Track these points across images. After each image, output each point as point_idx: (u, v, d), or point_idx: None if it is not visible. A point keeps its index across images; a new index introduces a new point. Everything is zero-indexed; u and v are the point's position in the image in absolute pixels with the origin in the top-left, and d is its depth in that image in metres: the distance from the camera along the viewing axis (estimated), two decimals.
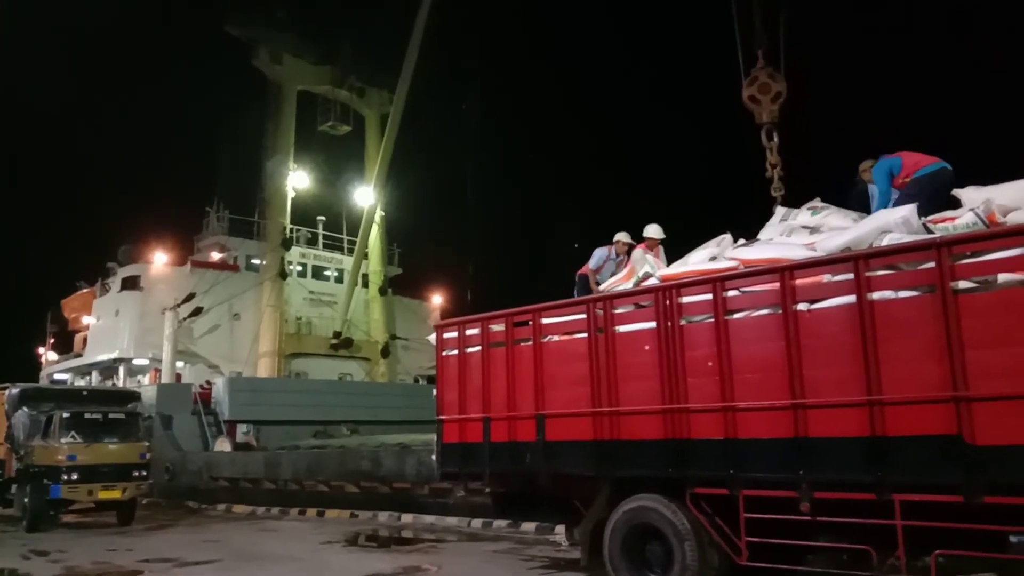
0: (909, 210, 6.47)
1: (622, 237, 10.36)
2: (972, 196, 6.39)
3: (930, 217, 6.45)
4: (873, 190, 7.97)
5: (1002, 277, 5.40)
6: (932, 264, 5.63)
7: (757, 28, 10.55)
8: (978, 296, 5.48)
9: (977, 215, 6.00)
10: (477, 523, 14.33)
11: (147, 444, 17.21)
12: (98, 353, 31.97)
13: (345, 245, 36.80)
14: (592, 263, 10.34)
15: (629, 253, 10.14)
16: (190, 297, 29.03)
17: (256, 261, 33.83)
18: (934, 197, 7.03)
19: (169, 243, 32.36)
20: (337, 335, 33.59)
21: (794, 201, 9.65)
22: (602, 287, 9.26)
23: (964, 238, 5.76)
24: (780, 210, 8.35)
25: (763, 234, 7.97)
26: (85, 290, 36.74)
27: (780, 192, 10.47)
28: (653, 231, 10.15)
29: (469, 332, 8.98)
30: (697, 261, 7.70)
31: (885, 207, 7.53)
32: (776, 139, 10.56)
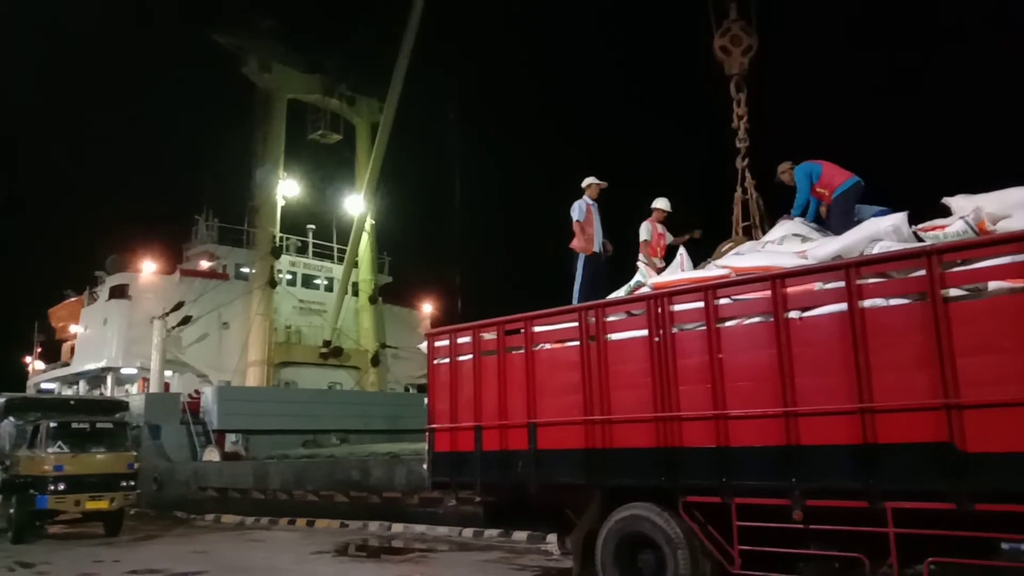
0: (900, 218, 6.51)
1: (592, 180, 10.40)
2: (962, 204, 6.41)
3: (921, 225, 6.49)
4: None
5: (992, 285, 5.43)
6: (923, 272, 5.65)
7: None
8: (968, 304, 5.50)
9: (967, 223, 6.04)
10: (468, 532, 14.28)
11: (135, 454, 17.07)
12: (86, 362, 31.73)
13: (335, 254, 36.69)
14: (575, 215, 10.23)
15: (597, 199, 10.33)
16: (179, 306, 28.86)
17: (245, 270, 33.67)
18: (854, 208, 8.13)
19: (158, 252, 32.18)
20: (327, 344, 33.45)
21: (757, 154, 10.55)
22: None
23: (954, 246, 5.78)
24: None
25: (770, 235, 8.13)
26: (73, 299, 36.50)
27: (745, 143, 10.74)
28: (663, 203, 10.38)
29: (460, 340, 8.94)
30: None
31: (802, 206, 8.66)
32: (745, 91, 10.83)
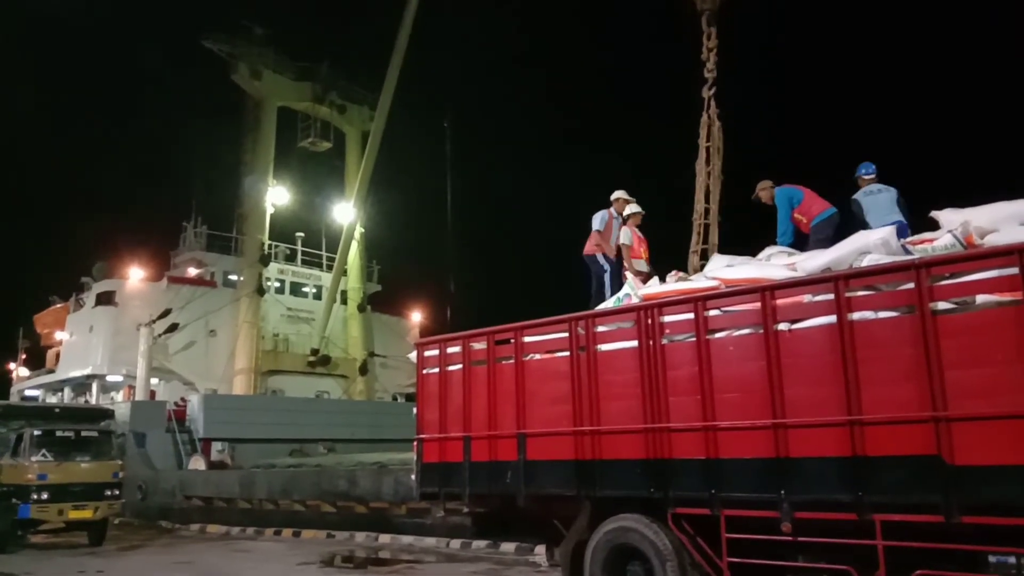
0: (888, 231, 6.56)
1: (622, 195, 10.36)
2: (950, 218, 6.47)
3: (909, 239, 6.54)
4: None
5: (980, 298, 5.45)
6: (911, 285, 5.67)
7: None
8: (956, 317, 5.52)
9: (955, 237, 6.08)
10: (456, 544, 14.22)
11: (120, 463, 16.93)
12: (71, 369, 31.47)
13: (324, 262, 36.59)
14: (596, 224, 10.17)
15: (622, 215, 10.28)
16: (166, 313, 28.67)
17: (233, 277, 33.52)
18: (831, 238, 8.18)
19: (145, 258, 32.00)
20: (315, 352, 33.33)
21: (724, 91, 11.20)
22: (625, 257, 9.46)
23: (943, 259, 5.81)
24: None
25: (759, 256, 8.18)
26: (58, 305, 36.23)
27: (712, 75, 11.34)
28: (635, 207, 10.36)
29: (450, 350, 8.91)
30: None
31: (783, 232, 8.89)
32: (715, 26, 11.40)
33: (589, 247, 10.21)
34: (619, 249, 10.17)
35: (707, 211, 11.47)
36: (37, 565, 13.38)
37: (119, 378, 29.86)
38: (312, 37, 35.10)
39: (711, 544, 6.61)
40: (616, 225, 10.28)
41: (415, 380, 9.39)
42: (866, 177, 8.60)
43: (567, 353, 7.71)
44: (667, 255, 10.93)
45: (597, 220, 10.22)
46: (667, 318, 7.07)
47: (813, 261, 6.89)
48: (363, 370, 34.52)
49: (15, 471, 15.59)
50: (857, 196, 8.49)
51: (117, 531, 18.17)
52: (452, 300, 29.68)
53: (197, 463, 23.32)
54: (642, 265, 10.14)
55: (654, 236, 10.77)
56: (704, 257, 11.14)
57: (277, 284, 34.53)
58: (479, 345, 8.60)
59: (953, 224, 6.31)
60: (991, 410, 5.23)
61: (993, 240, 5.99)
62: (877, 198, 8.30)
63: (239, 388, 30.63)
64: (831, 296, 6.05)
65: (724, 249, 10.89)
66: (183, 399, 27.14)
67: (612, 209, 10.35)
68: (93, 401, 29.54)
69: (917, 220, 7.93)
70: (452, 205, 28.55)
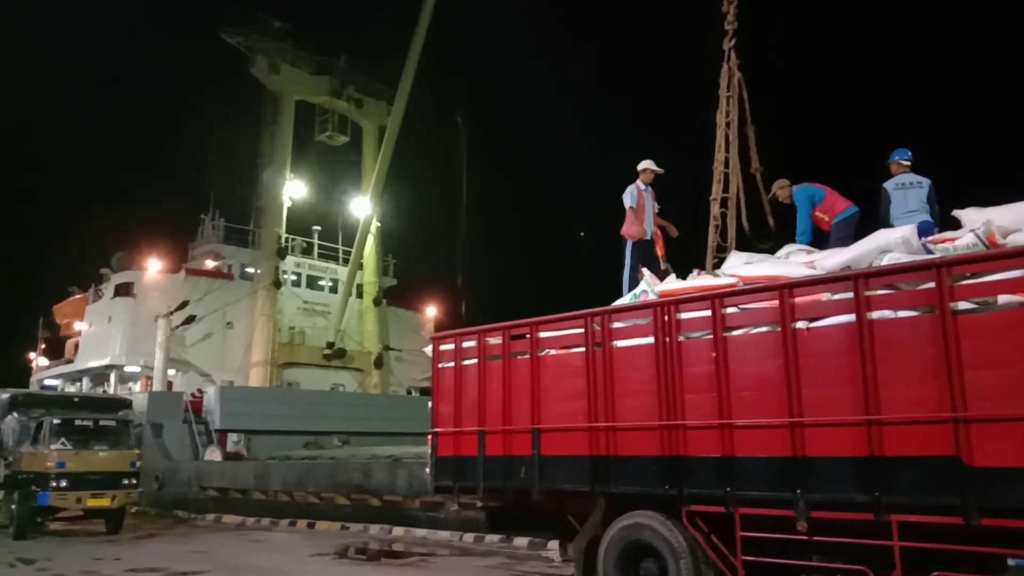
0: (909, 230, 6.50)
1: (648, 165, 10.28)
2: (972, 217, 6.41)
3: (930, 238, 6.47)
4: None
5: (1002, 298, 5.40)
6: (932, 284, 5.62)
7: None
8: (977, 317, 5.47)
9: (977, 236, 6.02)
10: (469, 537, 14.25)
11: (137, 452, 17.11)
12: (89, 359, 31.76)
13: (340, 255, 36.69)
14: (628, 202, 10.05)
15: (652, 184, 10.25)
16: (183, 305, 28.88)
17: (250, 270, 33.68)
18: (852, 236, 8.04)
19: (163, 250, 32.18)
20: (330, 345, 33.46)
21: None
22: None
23: (964, 259, 5.76)
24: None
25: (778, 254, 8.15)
26: (77, 296, 36.55)
27: (733, 27, 11.37)
28: (649, 163, 10.25)
29: (466, 344, 8.93)
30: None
31: (804, 231, 8.88)
32: None
33: (624, 228, 10.12)
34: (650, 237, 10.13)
35: (727, 160, 11.38)
36: (55, 552, 13.53)
37: (137, 369, 30.11)
38: (330, 31, 35.28)
39: (725, 542, 6.59)
40: (648, 197, 10.18)
41: (430, 374, 9.42)
42: (903, 163, 8.42)
43: (583, 349, 7.71)
44: (685, 251, 10.88)
45: (628, 198, 10.05)
46: (684, 315, 7.05)
47: (832, 259, 6.83)
48: (378, 364, 34.65)
49: (35, 459, 15.78)
50: (888, 186, 8.35)
51: (134, 520, 18.36)
52: (466, 295, 29.76)
53: (213, 454, 23.50)
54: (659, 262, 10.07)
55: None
56: (724, 205, 11.07)
57: (294, 277, 34.68)
58: (494, 340, 8.61)
59: (975, 223, 6.24)
60: (1011, 411, 5.18)
61: (1016, 240, 5.93)
62: (907, 193, 8.14)
63: (255, 380, 30.81)
64: (850, 295, 6.01)
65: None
66: (200, 390, 27.36)
67: (639, 182, 10.19)
68: (111, 391, 29.81)
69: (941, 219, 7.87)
70: (468, 199, 28.60)
